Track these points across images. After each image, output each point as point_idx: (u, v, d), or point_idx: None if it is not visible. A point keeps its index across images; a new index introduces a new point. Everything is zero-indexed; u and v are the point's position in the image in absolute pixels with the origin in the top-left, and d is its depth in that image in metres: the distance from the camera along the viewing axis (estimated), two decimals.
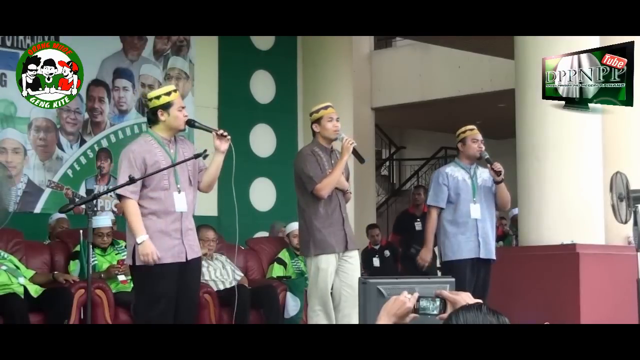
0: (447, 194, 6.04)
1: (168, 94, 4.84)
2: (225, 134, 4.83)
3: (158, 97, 4.84)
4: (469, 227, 5.98)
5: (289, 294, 6.98)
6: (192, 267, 4.88)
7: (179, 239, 4.79)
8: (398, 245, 9.87)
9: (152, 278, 4.73)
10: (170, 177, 4.79)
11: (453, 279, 4.73)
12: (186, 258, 4.82)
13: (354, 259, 5.59)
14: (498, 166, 5.98)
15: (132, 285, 6.35)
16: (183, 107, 4.89)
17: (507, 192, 6.15)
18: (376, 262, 9.90)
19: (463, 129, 6.17)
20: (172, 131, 4.88)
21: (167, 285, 4.74)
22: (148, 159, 4.75)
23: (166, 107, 4.81)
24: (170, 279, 4.75)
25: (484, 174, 6.15)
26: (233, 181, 4.95)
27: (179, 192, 4.79)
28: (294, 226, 7.70)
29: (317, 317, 5.46)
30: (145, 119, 8.56)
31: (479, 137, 6.10)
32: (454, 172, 6.12)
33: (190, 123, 4.90)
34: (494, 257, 6.10)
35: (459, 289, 5.71)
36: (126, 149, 4.87)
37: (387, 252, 9.96)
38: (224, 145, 4.83)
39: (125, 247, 6.65)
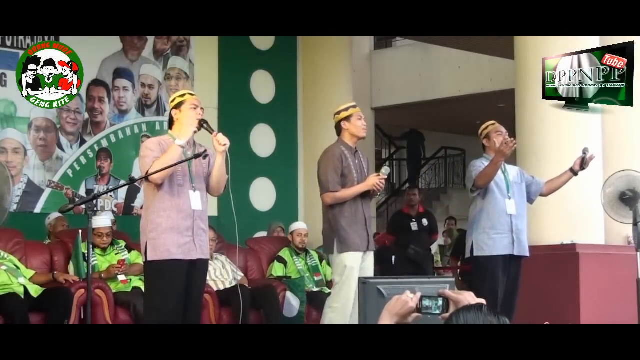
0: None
1: (182, 95, 4.97)
2: (223, 142, 4.82)
3: (173, 100, 4.96)
4: (503, 222, 5.86)
5: (289, 294, 6.95)
6: (198, 268, 4.90)
7: (190, 237, 4.82)
8: (393, 246, 9.82)
9: (165, 274, 4.76)
10: (185, 176, 4.83)
11: (453, 279, 4.74)
12: (195, 257, 4.84)
13: (369, 259, 5.62)
14: (592, 155, 5.94)
15: (132, 285, 6.40)
16: (197, 107, 4.93)
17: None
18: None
19: (484, 125, 6.05)
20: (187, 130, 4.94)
21: (178, 281, 4.77)
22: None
23: (178, 106, 4.91)
24: (181, 276, 4.78)
25: (512, 171, 6.05)
26: (230, 184, 5.03)
27: (194, 190, 4.85)
28: (297, 225, 7.77)
29: (333, 314, 5.43)
30: (145, 119, 8.69)
31: (502, 129, 5.98)
32: None
33: (200, 123, 4.93)
34: (527, 254, 5.98)
35: (491, 285, 5.72)
36: (147, 141, 4.99)
37: None
38: (220, 147, 4.84)
39: (125, 247, 6.70)
